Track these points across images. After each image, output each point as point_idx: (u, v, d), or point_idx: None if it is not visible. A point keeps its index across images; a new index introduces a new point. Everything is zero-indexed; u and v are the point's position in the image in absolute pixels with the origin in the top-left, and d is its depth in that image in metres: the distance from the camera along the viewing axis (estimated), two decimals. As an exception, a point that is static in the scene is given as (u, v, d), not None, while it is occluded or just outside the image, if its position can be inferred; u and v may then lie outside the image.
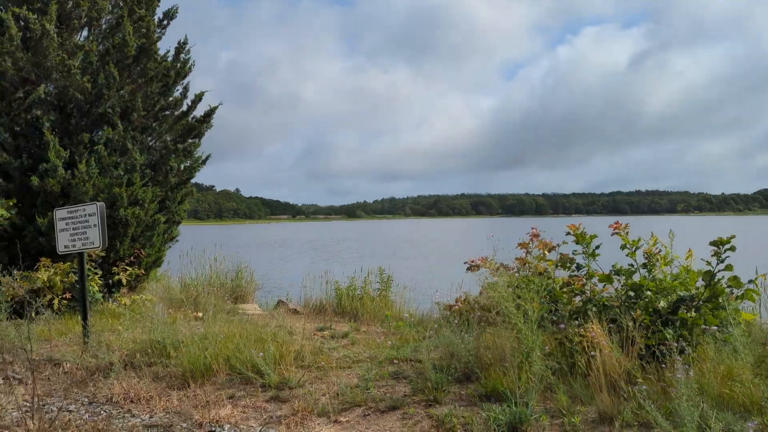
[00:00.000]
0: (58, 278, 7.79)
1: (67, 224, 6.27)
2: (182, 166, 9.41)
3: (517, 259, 7.20)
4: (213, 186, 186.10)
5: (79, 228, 6.18)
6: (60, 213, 6.33)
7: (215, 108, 9.41)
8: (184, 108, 9.47)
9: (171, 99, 9.19)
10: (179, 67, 9.08)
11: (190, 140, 9.51)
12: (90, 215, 6.11)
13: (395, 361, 5.65)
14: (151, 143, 9.26)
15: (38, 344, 6.77)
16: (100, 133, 8.72)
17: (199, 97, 9.24)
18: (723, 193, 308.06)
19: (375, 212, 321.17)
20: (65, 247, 6.30)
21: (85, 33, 8.89)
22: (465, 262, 7.64)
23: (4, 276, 8.36)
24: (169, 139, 9.29)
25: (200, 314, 9.01)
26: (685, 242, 6.91)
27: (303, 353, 5.76)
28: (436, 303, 9.68)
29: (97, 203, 6.10)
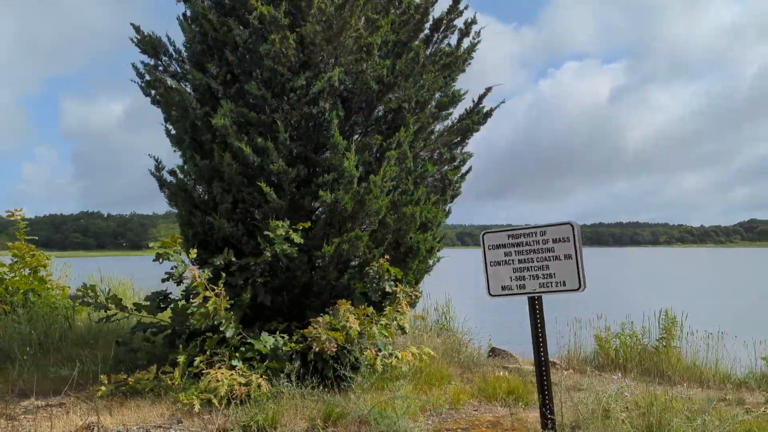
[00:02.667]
0: (375, 329, 5.69)
1: (507, 254, 4.23)
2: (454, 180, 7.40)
3: None
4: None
5: (532, 260, 4.14)
6: (493, 238, 4.29)
7: (489, 110, 7.44)
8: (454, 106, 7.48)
9: (451, 93, 7.21)
10: (464, 53, 7.13)
11: (459, 148, 7.53)
12: (557, 241, 4.08)
13: None
14: (417, 150, 7.26)
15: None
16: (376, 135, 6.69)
17: (486, 91, 7.27)
18: (703, 225, 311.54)
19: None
20: (503, 288, 4.25)
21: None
22: None
23: (279, 323, 6.29)
24: (440, 144, 7.29)
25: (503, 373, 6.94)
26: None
27: None
28: (764, 358, 7.75)
29: (572, 223, 4.08)
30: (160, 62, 6.74)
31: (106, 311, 6.61)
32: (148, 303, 6.71)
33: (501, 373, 7.02)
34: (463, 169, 7.61)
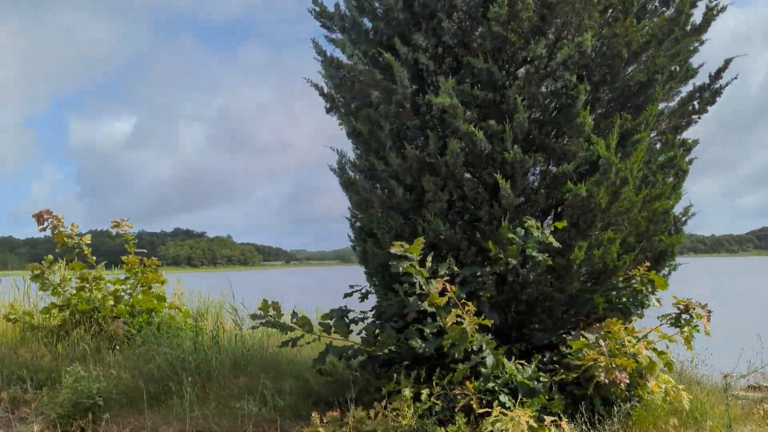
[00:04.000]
0: (669, 355, 4.50)
1: None
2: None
3: None
4: (204, 232, 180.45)
5: None
6: None
7: (719, 87, 6.22)
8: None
9: (683, 66, 6.04)
10: (710, 16, 5.94)
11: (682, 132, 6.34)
12: None
13: None
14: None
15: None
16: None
17: (726, 64, 6.05)
18: (713, 234, 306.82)
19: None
20: None
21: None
22: None
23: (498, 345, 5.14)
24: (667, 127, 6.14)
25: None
26: None
27: None
28: None
29: None
30: (350, 38, 5.64)
31: (287, 332, 5.48)
32: (332, 321, 5.58)
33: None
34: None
